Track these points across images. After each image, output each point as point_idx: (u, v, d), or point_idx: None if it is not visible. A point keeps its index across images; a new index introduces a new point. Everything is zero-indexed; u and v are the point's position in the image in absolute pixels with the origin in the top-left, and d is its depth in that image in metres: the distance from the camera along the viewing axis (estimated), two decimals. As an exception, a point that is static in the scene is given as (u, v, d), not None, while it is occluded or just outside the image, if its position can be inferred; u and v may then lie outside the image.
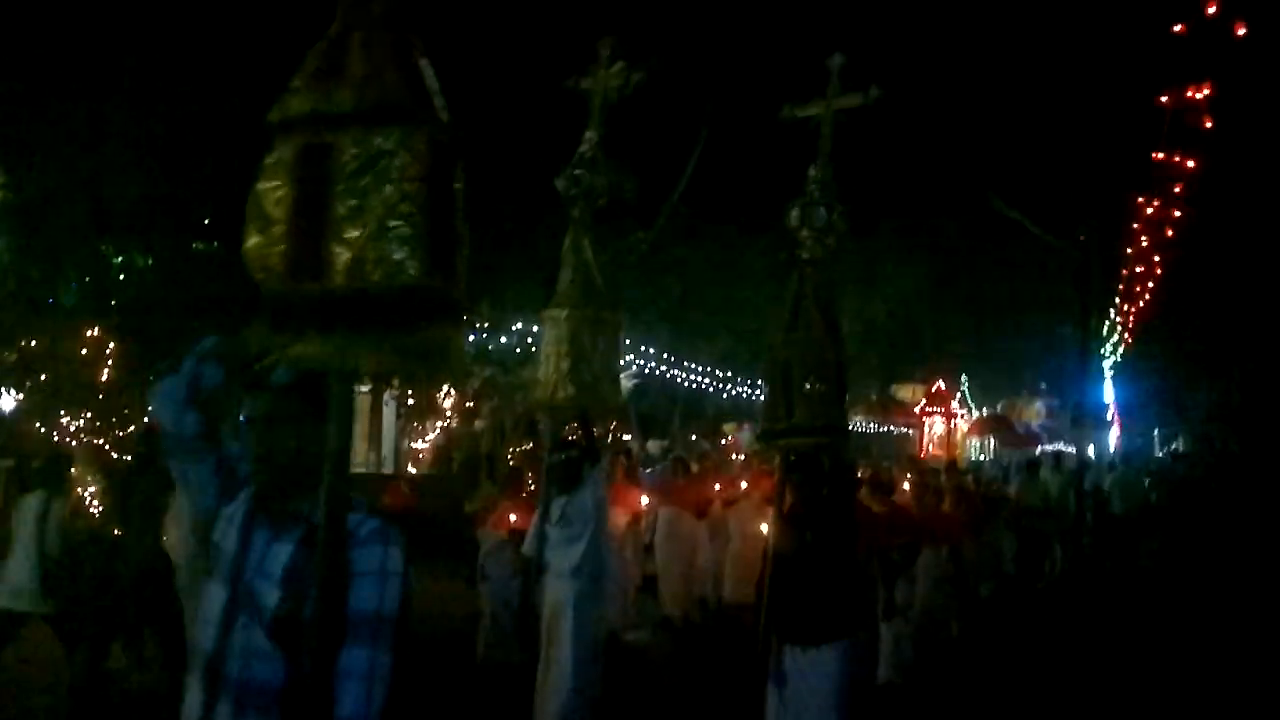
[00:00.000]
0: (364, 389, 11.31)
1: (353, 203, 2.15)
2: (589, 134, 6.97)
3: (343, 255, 2.15)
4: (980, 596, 10.80)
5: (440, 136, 2.26)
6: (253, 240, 2.25)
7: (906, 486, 12.49)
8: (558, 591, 6.69)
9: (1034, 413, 37.88)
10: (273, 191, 2.23)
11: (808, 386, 5.71)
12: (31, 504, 7.54)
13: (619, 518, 10.35)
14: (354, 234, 2.15)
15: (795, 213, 6.28)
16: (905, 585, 8.56)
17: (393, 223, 2.15)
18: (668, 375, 22.06)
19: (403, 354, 2.18)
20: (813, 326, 5.88)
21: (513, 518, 9.11)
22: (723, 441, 26.81)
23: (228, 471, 2.63)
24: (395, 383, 13.86)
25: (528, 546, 7.10)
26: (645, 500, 11.28)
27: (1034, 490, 15.15)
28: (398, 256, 2.16)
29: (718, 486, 12.66)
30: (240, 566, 2.45)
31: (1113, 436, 29.68)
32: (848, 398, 6.11)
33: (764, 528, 7.76)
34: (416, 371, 2.27)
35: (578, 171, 6.92)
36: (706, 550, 11.80)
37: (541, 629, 6.77)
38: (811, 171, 6.49)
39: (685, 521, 11.62)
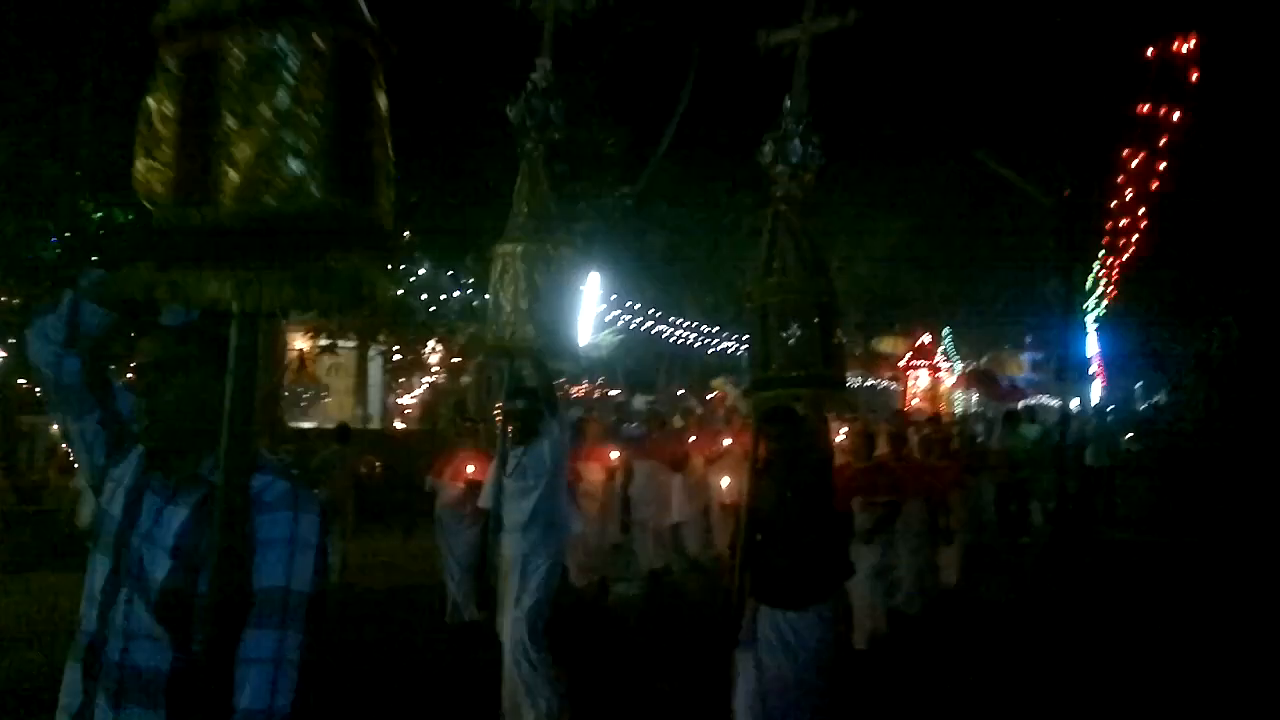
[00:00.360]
0: (349, 344, 11.40)
1: (241, 115, 1.84)
2: (541, 60, 6.56)
3: (232, 176, 1.85)
4: (963, 550, 10.66)
5: (349, 36, 1.92)
6: (140, 163, 1.97)
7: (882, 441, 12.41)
8: (510, 546, 6.33)
9: (1020, 365, 38.00)
10: (158, 106, 1.93)
11: (785, 334, 5.37)
12: None
13: (595, 473, 10.42)
14: (244, 151, 1.84)
15: (769, 147, 5.91)
16: (885, 543, 8.35)
17: (288, 136, 1.84)
18: (654, 330, 22.05)
19: (305, 286, 1.86)
20: (789, 269, 5.55)
21: (470, 469, 8.85)
22: (708, 396, 26.86)
23: (117, 426, 2.30)
24: (381, 338, 13.71)
25: (484, 499, 6.81)
26: (616, 455, 11.11)
27: (1015, 443, 15.01)
28: (294, 174, 1.85)
29: (693, 440, 12.53)
30: (126, 534, 2.12)
31: (1095, 389, 29.91)
32: (841, 343, 5.71)
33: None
34: (325, 306, 1.88)
35: (531, 100, 6.53)
36: (684, 505, 11.75)
37: (499, 584, 6.47)
38: (787, 103, 6.09)
39: (660, 475, 11.53)
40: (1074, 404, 23.07)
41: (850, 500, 7.45)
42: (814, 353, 5.39)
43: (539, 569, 6.20)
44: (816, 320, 5.48)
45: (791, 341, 5.37)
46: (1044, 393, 32.66)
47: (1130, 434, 30.51)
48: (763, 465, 5.45)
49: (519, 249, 6.15)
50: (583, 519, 9.56)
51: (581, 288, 16.63)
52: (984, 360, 39.00)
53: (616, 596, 10.55)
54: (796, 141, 5.90)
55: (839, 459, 8.31)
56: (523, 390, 6.49)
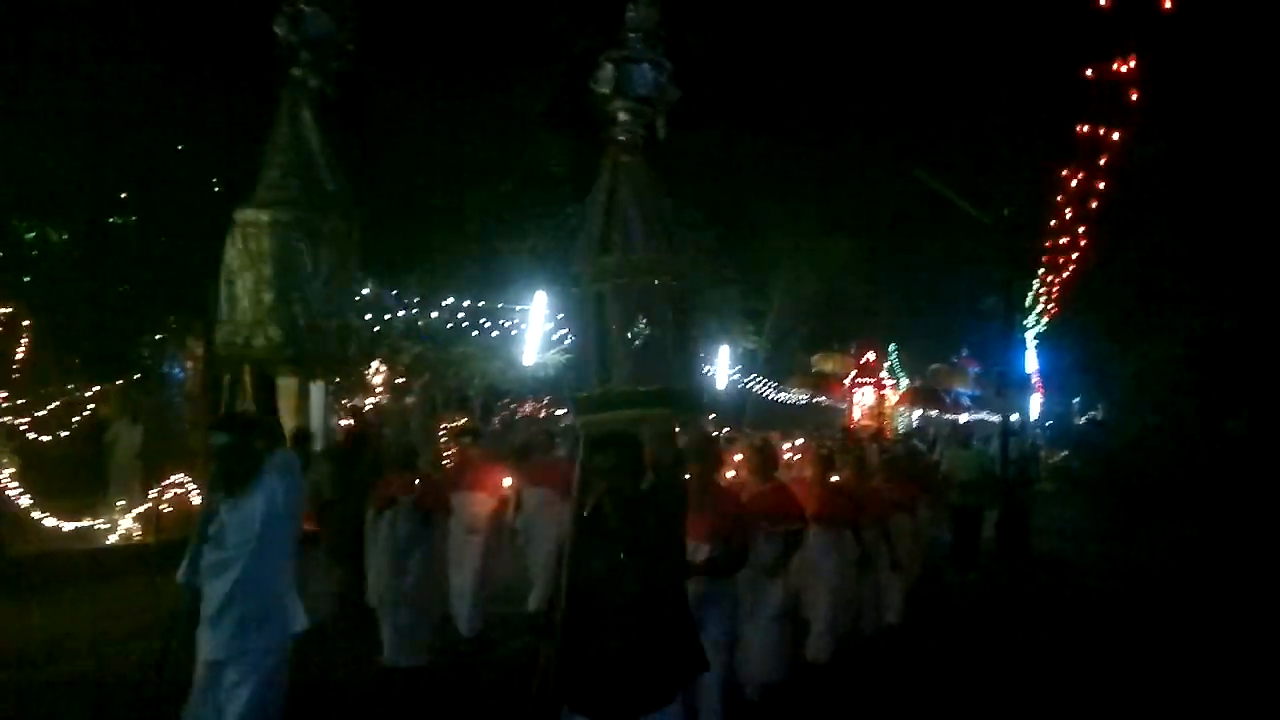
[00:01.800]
0: (289, 366, 10.46)
1: None
2: None
3: None
4: (910, 580, 9.68)
5: None
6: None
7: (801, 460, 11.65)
8: (204, 645, 4.43)
9: (966, 380, 38.35)
10: None
11: (630, 333, 4.09)
12: None
13: (480, 505, 9.18)
14: None
15: (607, 72, 4.45)
16: (791, 576, 7.11)
17: None
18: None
19: None
20: (635, 243, 4.24)
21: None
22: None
23: None
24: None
25: (181, 573, 4.68)
26: (508, 481, 9.78)
27: (966, 462, 13.82)
28: None
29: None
30: None
31: (1035, 404, 30.35)
32: (698, 346, 4.45)
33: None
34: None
35: (304, 7, 4.74)
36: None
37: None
38: (630, 12, 4.55)
39: (555, 504, 9.10)
40: (1014, 419, 23.41)
41: (751, 528, 6.21)
42: (667, 360, 4.12)
43: (242, 685, 4.30)
44: (671, 316, 4.17)
45: (638, 343, 4.09)
46: (985, 408, 33.14)
47: (1065, 451, 31.04)
48: (590, 515, 4.05)
49: (263, 218, 4.61)
50: (470, 558, 8.81)
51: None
52: (930, 372, 39.39)
53: (505, 655, 8.43)
54: (645, 67, 4.53)
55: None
56: (232, 420, 4.64)
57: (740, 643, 6.18)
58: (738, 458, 9.98)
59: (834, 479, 8.71)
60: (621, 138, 4.46)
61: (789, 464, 11.88)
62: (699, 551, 5.31)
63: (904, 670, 8.24)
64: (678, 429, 4.38)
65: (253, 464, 4.39)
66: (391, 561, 8.04)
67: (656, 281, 4.22)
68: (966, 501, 13.12)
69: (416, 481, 8.46)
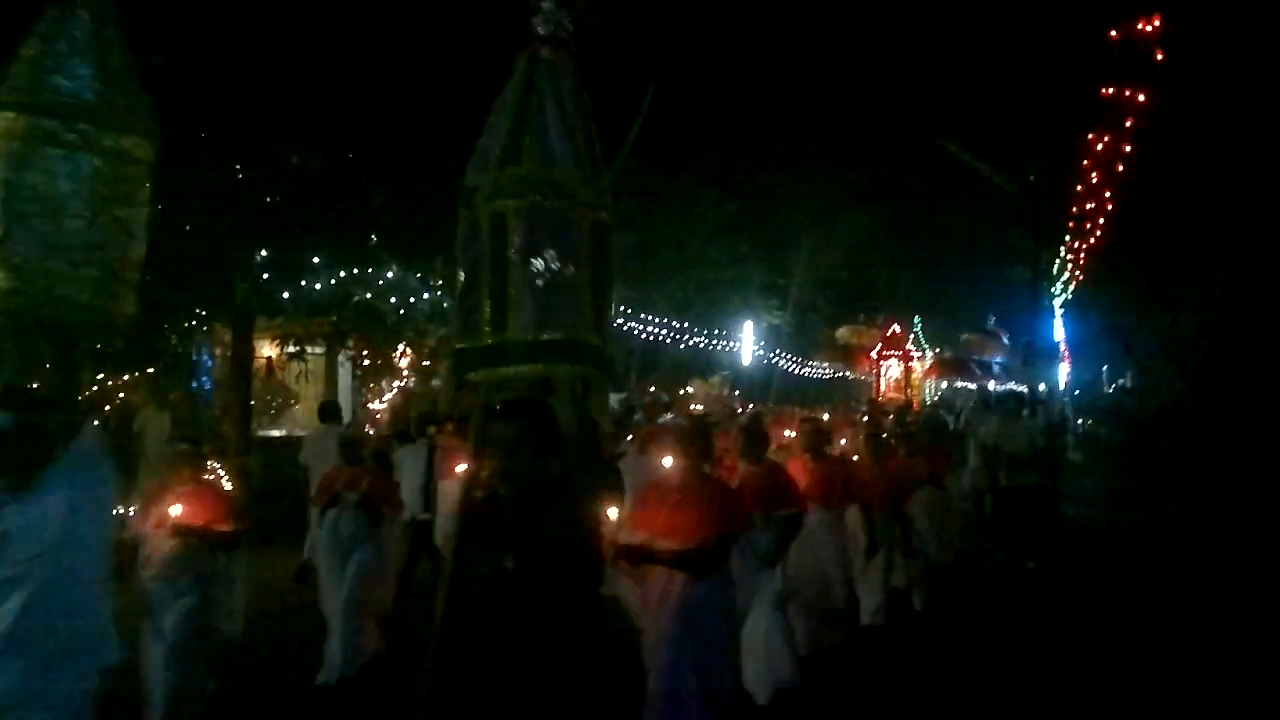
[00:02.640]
0: (318, 350, 10.99)
1: None
2: None
3: None
4: (931, 566, 8.88)
5: None
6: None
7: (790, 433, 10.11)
8: None
9: (1001, 348, 37.77)
10: None
11: (536, 268, 3.30)
12: None
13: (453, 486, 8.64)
14: None
15: None
16: (790, 564, 6.63)
17: None
18: (623, 327, 22.00)
19: None
20: (553, 156, 3.46)
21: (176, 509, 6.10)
22: (682, 391, 26.84)
23: None
24: (349, 343, 13.45)
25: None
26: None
27: (1016, 435, 11.77)
28: None
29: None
30: None
31: (1062, 373, 30.16)
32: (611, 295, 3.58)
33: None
34: None
35: None
36: None
37: None
38: None
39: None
40: (1041, 388, 23.25)
41: (748, 513, 5.73)
42: (580, 305, 3.39)
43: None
44: (590, 252, 3.46)
45: (544, 282, 3.32)
46: (1015, 377, 32.94)
47: (1090, 419, 30.83)
48: (480, 505, 3.22)
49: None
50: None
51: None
52: (962, 341, 39.07)
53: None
54: None
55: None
56: (14, 395, 3.51)
57: (743, 644, 5.72)
58: (789, 433, 9.66)
59: (841, 455, 8.55)
60: (542, 30, 3.79)
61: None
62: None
63: (919, 661, 7.54)
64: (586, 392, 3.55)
65: (43, 452, 3.33)
66: (333, 563, 7.33)
67: (576, 207, 3.40)
68: (1019, 481, 11.34)
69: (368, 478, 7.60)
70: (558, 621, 2.96)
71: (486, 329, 3.39)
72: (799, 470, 7.35)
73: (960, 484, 12.05)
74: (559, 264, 3.31)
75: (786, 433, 9.82)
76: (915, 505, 8.83)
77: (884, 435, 10.33)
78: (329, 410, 11.42)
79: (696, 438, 5.62)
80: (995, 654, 7.70)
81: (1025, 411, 14.14)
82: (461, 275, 3.56)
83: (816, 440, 7.91)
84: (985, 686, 6.93)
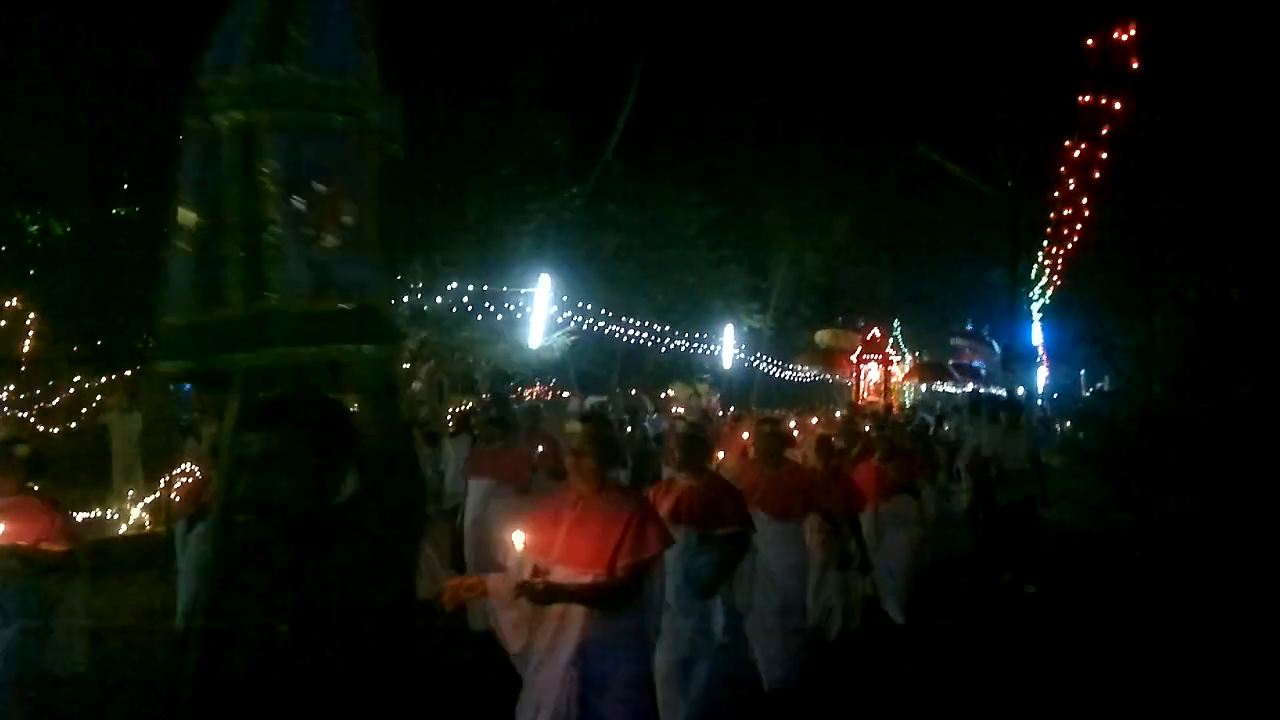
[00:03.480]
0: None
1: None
2: None
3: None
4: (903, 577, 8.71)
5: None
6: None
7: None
8: None
9: (987, 353, 37.76)
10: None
11: (298, 200, 2.29)
12: None
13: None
14: None
15: None
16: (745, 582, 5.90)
17: None
18: (605, 331, 21.99)
19: None
20: (332, 56, 2.45)
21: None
22: (663, 395, 26.86)
23: None
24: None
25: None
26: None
27: (1013, 445, 10.83)
28: None
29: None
30: None
31: (1041, 377, 30.36)
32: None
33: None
34: None
35: None
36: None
37: None
38: None
39: (501, 498, 8.47)
40: (1019, 392, 23.39)
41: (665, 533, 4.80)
42: (376, 266, 2.41)
43: None
44: (374, 187, 2.47)
45: (314, 230, 2.31)
46: (994, 381, 33.11)
47: (1068, 422, 31.01)
48: (238, 548, 2.36)
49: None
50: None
51: None
52: (952, 343, 39.19)
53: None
54: None
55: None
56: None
57: (669, 684, 5.14)
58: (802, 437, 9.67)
59: (797, 460, 7.95)
60: None
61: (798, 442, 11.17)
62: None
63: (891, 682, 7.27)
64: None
65: None
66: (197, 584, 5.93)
67: (361, 131, 2.45)
68: (1019, 495, 10.62)
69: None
70: (345, 694, 2.18)
71: (236, 295, 2.31)
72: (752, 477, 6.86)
73: (936, 492, 11.72)
74: (338, 202, 2.27)
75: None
76: (887, 514, 8.61)
77: (834, 439, 9.18)
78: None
79: (596, 441, 4.46)
80: (977, 671, 7.49)
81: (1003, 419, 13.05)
82: (189, 217, 2.40)
83: (772, 445, 7.25)
84: (967, 708, 6.81)
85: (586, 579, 4.19)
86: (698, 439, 6.12)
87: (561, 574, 4.21)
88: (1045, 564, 10.71)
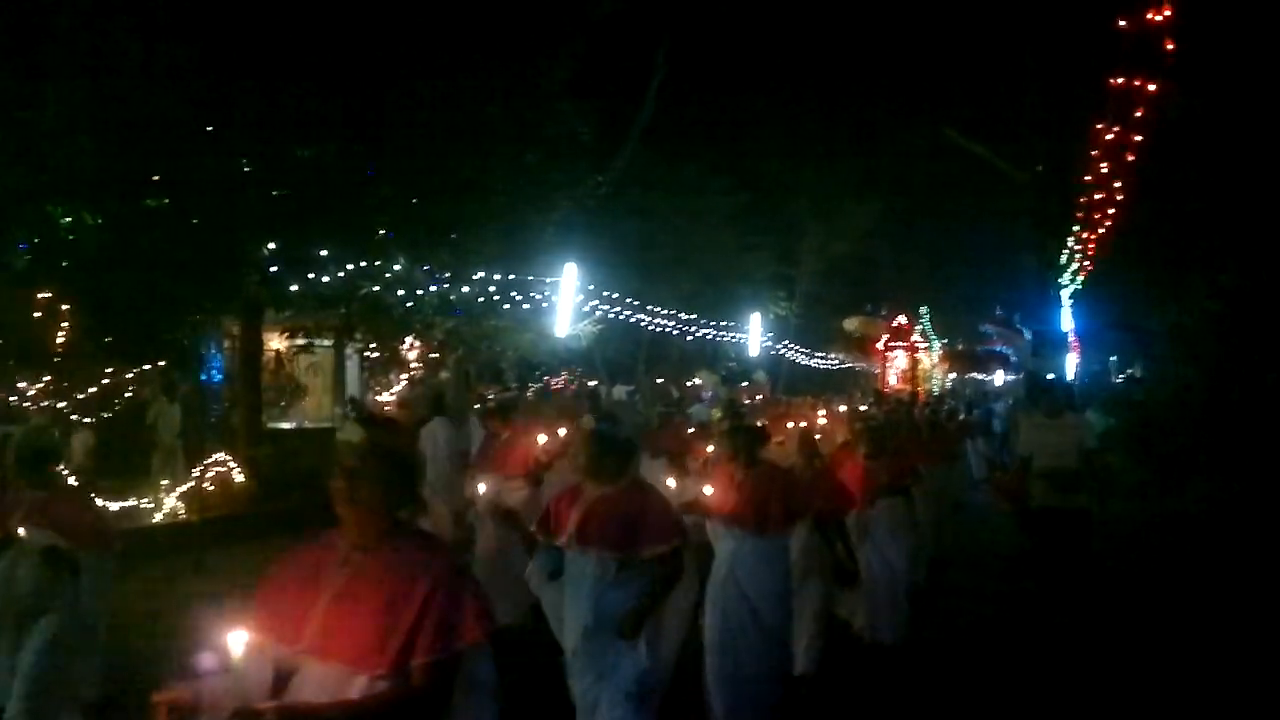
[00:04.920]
0: (326, 343, 11.05)
1: None
2: None
3: None
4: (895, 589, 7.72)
5: None
6: None
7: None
8: None
9: (1016, 341, 37.36)
10: None
11: None
12: None
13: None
14: None
15: None
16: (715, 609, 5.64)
17: None
18: (631, 319, 21.99)
19: None
20: None
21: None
22: (689, 383, 26.85)
23: None
24: (357, 335, 13.47)
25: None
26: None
27: (1056, 441, 8.30)
28: None
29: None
30: None
31: (1071, 363, 30.09)
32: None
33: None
34: None
35: None
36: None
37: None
38: None
39: (506, 494, 7.85)
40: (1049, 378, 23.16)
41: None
42: None
43: None
44: None
45: None
46: (1023, 368, 32.88)
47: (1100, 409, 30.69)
48: None
49: None
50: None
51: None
52: (983, 330, 38.97)
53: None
54: None
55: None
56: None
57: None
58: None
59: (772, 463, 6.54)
60: None
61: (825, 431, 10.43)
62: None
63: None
64: None
65: None
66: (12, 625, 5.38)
67: None
68: (1059, 503, 8.12)
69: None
70: None
71: None
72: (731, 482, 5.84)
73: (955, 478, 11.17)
74: None
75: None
76: (873, 519, 7.55)
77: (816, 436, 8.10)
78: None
79: (377, 460, 3.01)
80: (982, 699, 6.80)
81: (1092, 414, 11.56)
82: None
83: (746, 443, 6.04)
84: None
85: (351, 689, 2.68)
86: (610, 439, 4.89)
87: (313, 679, 2.73)
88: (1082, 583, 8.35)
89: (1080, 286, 24.97)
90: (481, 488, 7.78)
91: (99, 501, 12.06)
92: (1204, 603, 9.02)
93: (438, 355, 18.25)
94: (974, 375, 37.62)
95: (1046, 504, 8.19)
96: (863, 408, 16.51)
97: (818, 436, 8.04)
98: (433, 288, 15.20)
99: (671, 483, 6.38)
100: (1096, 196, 18.56)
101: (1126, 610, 8.97)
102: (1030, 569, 8.81)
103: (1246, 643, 7.62)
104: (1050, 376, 17.48)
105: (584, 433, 5.65)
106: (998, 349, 37.97)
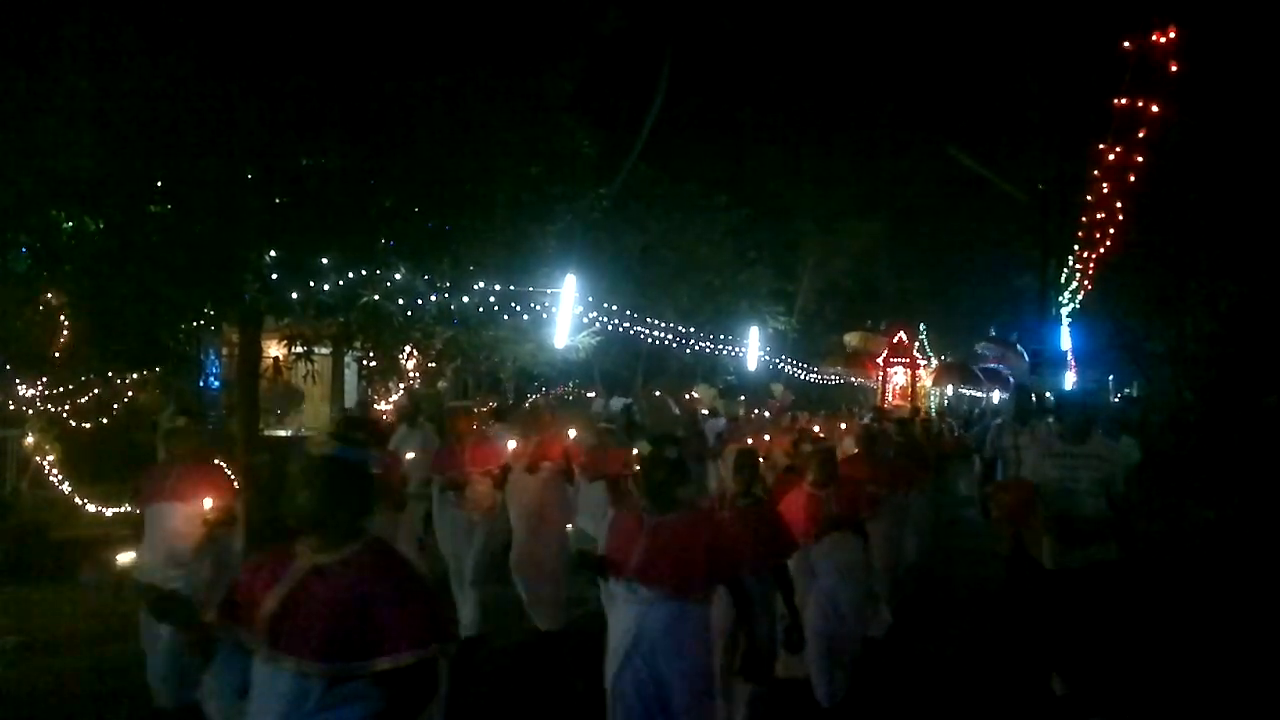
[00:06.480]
0: (325, 351, 11.11)
1: None
2: None
3: None
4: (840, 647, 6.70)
5: None
6: None
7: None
8: None
9: (1013, 360, 37.37)
10: None
11: None
12: None
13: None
14: None
15: None
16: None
17: None
18: (630, 331, 21.99)
19: None
20: None
21: None
22: (687, 396, 26.84)
23: None
24: (356, 344, 13.50)
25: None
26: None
27: (1075, 478, 6.40)
28: None
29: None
30: None
31: (1068, 382, 30.12)
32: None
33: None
34: None
35: None
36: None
37: None
38: None
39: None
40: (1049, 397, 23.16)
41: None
42: None
43: None
44: None
45: None
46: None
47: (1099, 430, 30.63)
48: None
49: None
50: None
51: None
52: (979, 348, 38.95)
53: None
54: None
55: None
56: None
57: None
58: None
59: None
60: None
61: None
62: None
63: None
64: None
65: None
66: None
67: None
68: (1079, 562, 6.36)
69: None
70: None
71: None
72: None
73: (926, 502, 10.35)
74: None
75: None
76: (820, 559, 6.54)
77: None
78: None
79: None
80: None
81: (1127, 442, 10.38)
82: None
83: (664, 475, 4.65)
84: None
85: (299, 684, 2.99)
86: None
87: (265, 671, 3.06)
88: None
89: (1079, 306, 25.04)
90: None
91: (91, 507, 12.13)
92: (1201, 626, 9.01)
93: (435, 365, 18.25)
94: (969, 392, 37.62)
95: (1063, 564, 6.39)
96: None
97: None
98: (433, 297, 15.20)
99: (611, 512, 5.91)
100: (1098, 216, 18.63)
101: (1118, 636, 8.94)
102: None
103: (1242, 665, 7.61)
104: (1048, 396, 17.52)
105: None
106: (995, 367, 37.96)
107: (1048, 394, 17.31)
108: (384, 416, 16.98)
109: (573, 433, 9.95)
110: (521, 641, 8.70)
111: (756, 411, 23.01)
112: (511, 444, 9.10)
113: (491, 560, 8.82)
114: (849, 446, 9.74)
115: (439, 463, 9.14)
